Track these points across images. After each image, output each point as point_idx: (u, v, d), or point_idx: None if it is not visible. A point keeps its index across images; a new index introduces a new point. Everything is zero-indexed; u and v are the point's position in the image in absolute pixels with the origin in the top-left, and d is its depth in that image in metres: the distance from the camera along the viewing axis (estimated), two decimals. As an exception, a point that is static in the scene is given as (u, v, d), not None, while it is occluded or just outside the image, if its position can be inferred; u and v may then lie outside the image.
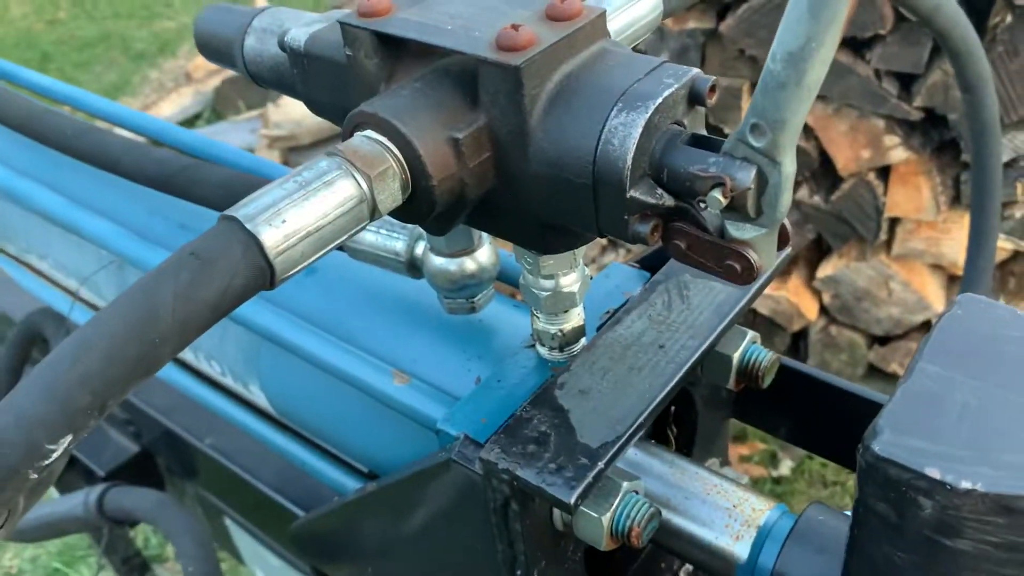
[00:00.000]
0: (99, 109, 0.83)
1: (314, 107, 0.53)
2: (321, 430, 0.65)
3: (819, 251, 1.87)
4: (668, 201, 0.40)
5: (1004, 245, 1.66)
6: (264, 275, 0.35)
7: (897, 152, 1.62)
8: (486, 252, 0.55)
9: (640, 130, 0.39)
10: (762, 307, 1.88)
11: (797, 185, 1.77)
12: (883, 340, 1.88)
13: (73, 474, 1.09)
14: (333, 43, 0.48)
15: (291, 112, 2.68)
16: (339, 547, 0.65)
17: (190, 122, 3.48)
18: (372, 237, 0.56)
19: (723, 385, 0.56)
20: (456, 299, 0.56)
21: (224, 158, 0.70)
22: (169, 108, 3.68)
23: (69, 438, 0.32)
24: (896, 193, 1.66)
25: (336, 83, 0.49)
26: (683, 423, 0.61)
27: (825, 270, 1.81)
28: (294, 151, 2.72)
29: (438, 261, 0.54)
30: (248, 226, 0.35)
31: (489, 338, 0.57)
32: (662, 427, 0.62)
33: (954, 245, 1.67)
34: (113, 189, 0.76)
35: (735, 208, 0.39)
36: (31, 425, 0.32)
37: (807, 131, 1.70)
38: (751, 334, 0.55)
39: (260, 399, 0.68)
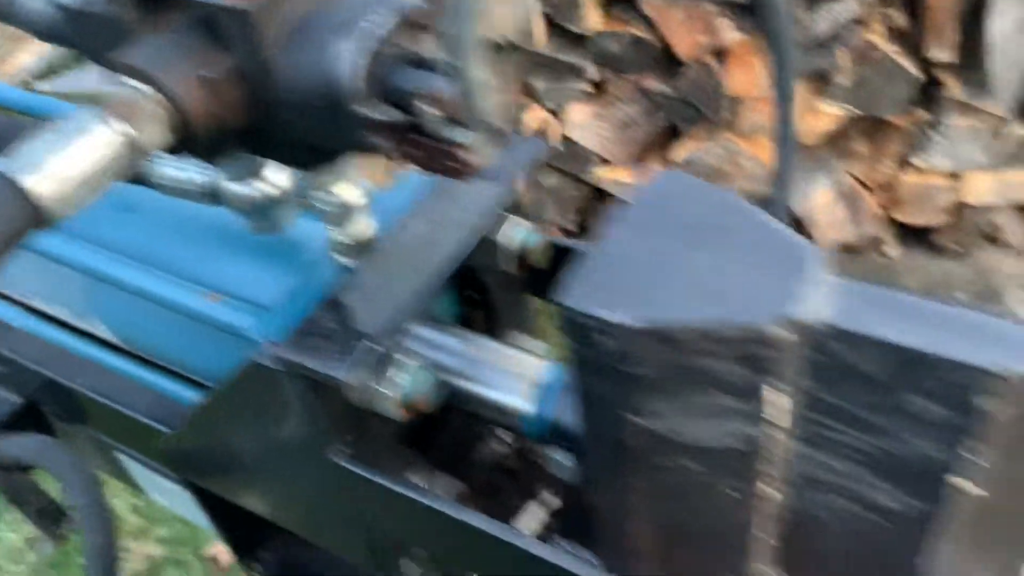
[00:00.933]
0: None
1: (94, 59, 0.57)
2: (162, 353, 0.71)
3: (672, 136, 1.97)
4: (398, 117, 0.47)
5: (836, 111, 1.78)
6: (32, 219, 0.41)
7: (730, 34, 1.71)
8: (278, 173, 0.60)
9: (367, 58, 0.45)
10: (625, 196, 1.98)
11: (643, 74, 1.85)
12: (741, 213, 2.01)
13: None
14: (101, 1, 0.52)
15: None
16: (200, 459, 0.72)
17: (53, 71, 3.34)
18: (172, 172, 0.61)
19: (507, 269, 0.64)
20: (258, 220, 0.62)
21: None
22: (27, 57, 3.52)
23: None
24: (733, 73, 1.76)
25: (107, 36, 0.53)
26: (485, 306, 0.69)
27: (679, 154, 1.91)
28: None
29: (233, 187, 0.59)
30: (11, 176, 0.41)
31: (294, 252, 0.63)
32: (471, 311, 0.70)
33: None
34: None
35: (451, 118, 0.46)
36: None
37: (648, 23, 1.77)
38: (525, 223, 0.63)
39: (105, 333, 0.73)
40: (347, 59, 0.45)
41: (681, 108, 1.85)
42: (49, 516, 1.80)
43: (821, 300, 0.41)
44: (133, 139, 0.45)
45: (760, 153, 1.87)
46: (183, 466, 0.76)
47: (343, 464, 0.55)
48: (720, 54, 1.76)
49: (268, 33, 0.46)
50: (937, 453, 0.41)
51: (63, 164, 0.42)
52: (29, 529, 1.92)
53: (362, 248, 0.59)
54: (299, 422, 0.55)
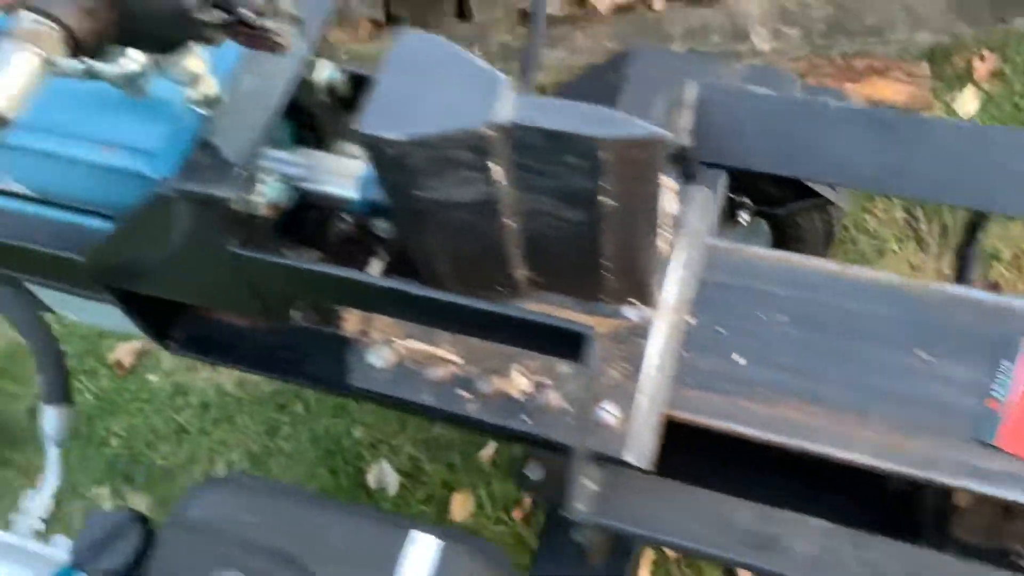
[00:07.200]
0: None
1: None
2: (73, 196, 0.93)
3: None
4: (225, 17, 0.70)
5: None
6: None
7: None
8: (135, 54, 0.81)
9: (196, -19, 0.67)
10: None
11: None
12: (528, -14, 2.23)
13: None
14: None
15: None
16: (121, 267, 0.96)
17: None
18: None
19: (322, 99, 0.88)
20: (129, 89, 0.84)
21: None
22: None
23: None
24: None
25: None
26: (313, 127, 0.94)
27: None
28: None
29: (104, 68, 0.80)
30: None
31: (160, 109, 0.86)
32: (306, 133, 0.95)
33: None
34: None
35: (257, 12, 0.69)
36: None
37: None
38: (329, 63, 0.87)
39: (20, 188, 0.94)
40: (187, -16, 0.67)
41: None
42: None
43: (508, 108, 0.69)
44: (44, 57, 0.66)
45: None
46: (105, 276, 1.00)
47: (239, 252, 0.82)
48: None
49: (119, -31, 0.67)
50: (586, 184, 0.72)
51: (6, 82, 0.64)
52: (-69, 370, 2.11)
53: (211, 100, 0.83)
54: (200, 229, 0.81)
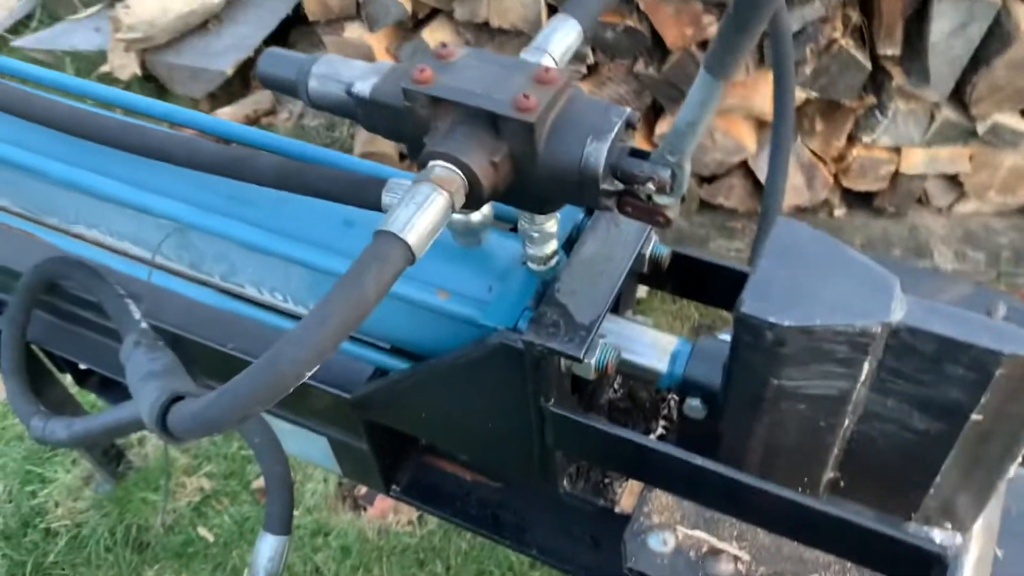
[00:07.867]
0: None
1: (372, 131, 0.79)
2: (386, 335, 0.94)
3: (655, 113, 2.23)
4: (621, 187, 0.72)
5: (798, 95, 2.07)
6: (410, 260, 0.64)
7: (713, 28, 1.96)
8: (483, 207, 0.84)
9: (606, 152, 0.69)
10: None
11: (634, 60, 2.10)
12: (710, 179, 2.30)
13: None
14: (392, 95, 0.74)
15: (142, 12, 2.69)
16: (404, 406, 0.96)
17: (23, 24, 3.35)
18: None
19: (639, 270, 0.89)
20: (465, 237, 0.86)
21: (328, 159, 0.95)
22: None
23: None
24: (715, 61, 2.02)
25: (394, 121, 0.75)
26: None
27: (662, 128, 2.17)
28: (151, 51, 2.76)
29: (456, 217, 0.83)
30: (400, 235, 0.64)
31: (491, 260, 0.88)
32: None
33: (760, 99, 2.06)
34: (158, 172, 0.98)
35: (659, 189, 0.71)
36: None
37: (640, 14, 2.01)
38: (656, 237, 0.89)
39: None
40: (598, 155, 0.69)
41: (665, 89, 2.11)
42: (111, 457, 2.01)
43: (898, 308, 0.68)
44: (452, 203, 0.69)
45: (731, 129, 2.15)
46: (374, 412, 1.00)
47: (557, 411, 0.81)
48: (704, 44, 2.02)
49: (538, 133, 0.70)
50: (960, 397, 0.70)
51: (422, 224, 0.66)
52: (83, 468, 2.12)
53: (546, 259, 0.84)
54: (525, 382, 0.81)
